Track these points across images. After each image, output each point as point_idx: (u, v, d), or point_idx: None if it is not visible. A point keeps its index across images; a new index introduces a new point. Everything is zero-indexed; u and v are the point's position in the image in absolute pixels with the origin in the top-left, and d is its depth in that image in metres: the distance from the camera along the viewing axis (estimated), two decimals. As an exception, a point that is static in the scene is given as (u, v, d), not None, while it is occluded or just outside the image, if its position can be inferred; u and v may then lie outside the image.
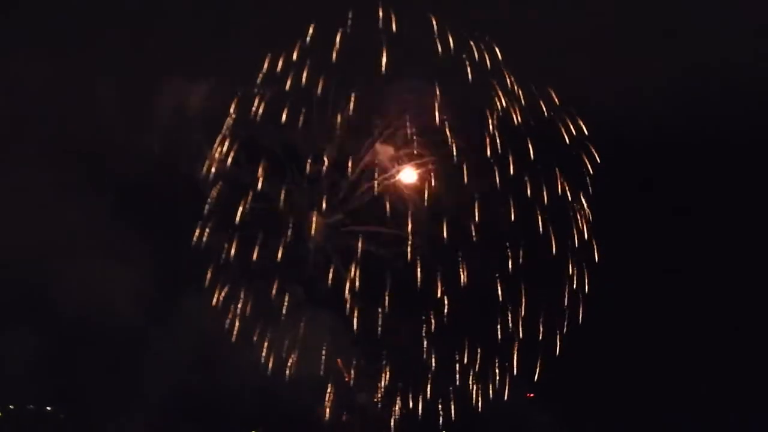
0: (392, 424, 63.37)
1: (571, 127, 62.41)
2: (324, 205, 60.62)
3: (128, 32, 62.31)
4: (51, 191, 61.18)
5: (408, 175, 60.38)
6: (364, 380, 62.65)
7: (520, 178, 61.12)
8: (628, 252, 69.04)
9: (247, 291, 60.47)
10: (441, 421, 63.44)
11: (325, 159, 59.83)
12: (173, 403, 64.21)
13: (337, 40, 57.96)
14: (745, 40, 68.72)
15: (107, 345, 64.13)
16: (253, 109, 58.88)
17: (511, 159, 60.82)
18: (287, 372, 61.02)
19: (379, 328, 60.54)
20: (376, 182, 59.93)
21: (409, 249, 60.02)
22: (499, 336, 62.12)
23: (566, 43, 66.20)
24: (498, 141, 60.73)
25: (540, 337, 62.29)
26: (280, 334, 60.83)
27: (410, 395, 62.77)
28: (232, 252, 59.68)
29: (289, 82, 58.17)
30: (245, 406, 65.38)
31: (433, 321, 61.21)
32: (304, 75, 57.96)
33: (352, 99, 58.37)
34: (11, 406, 67.32)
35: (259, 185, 59.57)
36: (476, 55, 60.22)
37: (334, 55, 58.01)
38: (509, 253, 61.37)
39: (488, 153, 60.51)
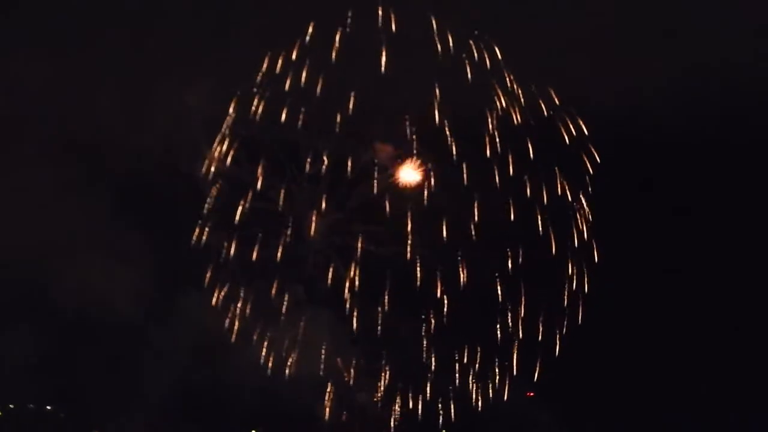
0: (392, 423, 63.38)
1: (571, 127, 62.40)
2: (324, 205, 60.67)
3: (128, 32, 62.28)
4: (51, 191, 61.24)
5: (409, 175, 60.34)
6: (363, 380, 62.64)
7: (519, 178, 61.06)
8: (628, 252, 69.04)
9: (246, 290, 60.57)
10: (441, 421, 63.47)
11: (325, 158, 59.82)
12: (173, 402, 64.32)
13: (337, 39, 58.02)
14: (745, 40, 68.65)
15: (107, 344, 64.33)
16: (253, 108, 58.98)
17: (510, 159, 60.74)
18: (287, 371, 61.08)
19: (379, 328, 60.55)
20: (375, 181, 59.93)
21: (408, 248, 60.00)
22: (499, 336, 62.13)
23: (566, 43, 66.06)
24: (498, 141, 60.66)
25: (540, 338, 62.31)
26: (280, 333, 60.88)
27: (410, 395, 62.80)
28: (232, 251, 59.73)
29: (288, 82, 58.24)
30: (245, 406, 65.46)
31: (432, 321, 61.23)
32: (304, 74, 58.03)
33: (352, 98, 58.40)
34: (11, 406, 67.40)
35: (259, 184, 59.62)
36: (476, 55, 60.24)
37: (334, 54, 58.08)
38: (509, 253, 61.32)
39: (488, 153, 60.47)
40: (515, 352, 62.66)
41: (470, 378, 62.74)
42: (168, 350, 63.08)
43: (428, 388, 62.60)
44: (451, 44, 59.26)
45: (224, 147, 59.55)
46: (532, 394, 67.14)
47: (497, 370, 62.92)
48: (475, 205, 60.05)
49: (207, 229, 59.56)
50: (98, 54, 61.20)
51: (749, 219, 72.66)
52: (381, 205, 60.05)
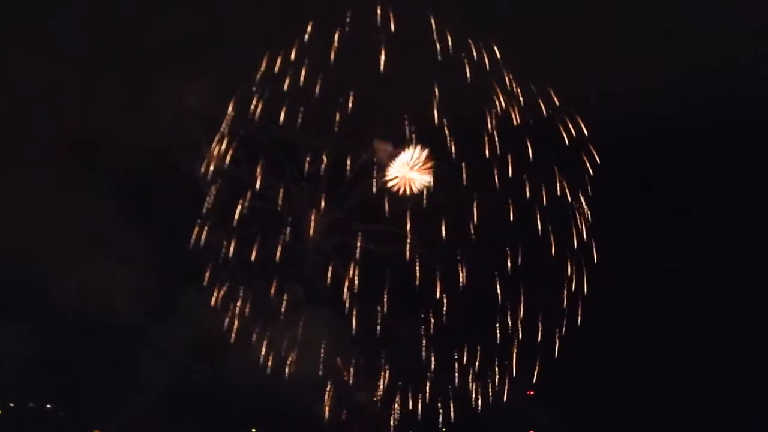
0: (392, 423, 63.40)
1: (571, 127, 62.31)
2: (323, 204, 60.71)
3: (128, 32, 62.40)
4: (51, 191, 61.37)
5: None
6: (363, 379, 62.66)
7: (519, 178, 61.01)
8: (627, 252, 69.02)
9: (246, 290, 60.60)
10: (440, 421, 63.48)
11: (324, 158, 59.87)
12: (173, 401, 64.40)
13: (336, 39, 58.07)
14: (745, 40, 68.74)
15: (107, 344, 64.41)
16: (252, 108, 59.05)
17: (510, 159, 60.71)
18: (286, 371, 61.10)
19: (378, 328, 60.59)
20: (374, 181, 60.04)
21: (408, 248, 60.02)
22: (498, 336, 62.11)
23: (566, 43, 66.16)
24: (497, 141, 60.64)
25: (539, 338, 62.27)
26: (279, 333, 60.91)
27: (409, 394, 62.82)
28: (231, 251, 59.77)
29: (287, 81, 58.29)
30: (245, 405, 65.51)
31: (432, 320, 61.23)
32: (303, 74, 58.08)
33: (351, 98, 58.45)
34: (11, 404, 67.51)
35: (258, 184, 59.69)
36: (475, 55, 60.18)
37: (333, 54, 58.11)
38: (508, 254, 61.31)
39: (487, 153, 60.47)
40: (514, 352, 62.62)
41: (470, 378, 62.74)
42: (168, 350, 63.17)
43: (428, 388, 62.60)
44: (450, 44, 59.30)
45: (223, 146, 59.67)
46: (532, 392, 67.06)
47: (497, 370, 62.90)
48: (475, 205, 60.01)
49: (206, 228, 59.62)
50: (98, 54, 61.39)
51: (749, 219, 72.67)
52: (380, 204, 60.16)
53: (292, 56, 58.29)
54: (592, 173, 62.74)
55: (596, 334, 65.66)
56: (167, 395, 63.91)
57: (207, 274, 60.11)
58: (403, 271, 60.37)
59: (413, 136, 59.76)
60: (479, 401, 63.41)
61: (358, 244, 60.30)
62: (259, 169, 59.55)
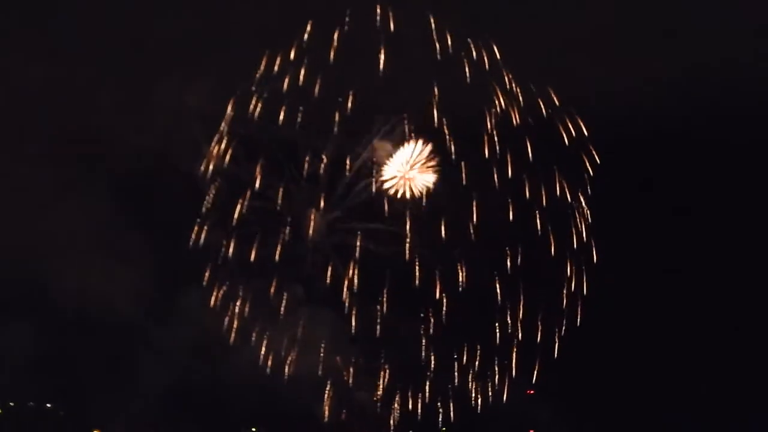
0: (391, 422, 63.41)
1: (571, 127, 62.30)
2: (322, 203, 60.74)
3: (128, 32, 62.48)
4: (51, 191, 61.42)
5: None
6: (363, 378, 62.66)
7: (518, 178, 61.02)
8: (627, 252, 68.99)
9: (245, 289, 60.60)
10: (440, 420, 63.50)
11: (323, 157, 59.92)
12: (172, 401, 64.43)
13: (335, 39, 58.09)
14: (745, 40, 68.82)
15: (107, 344, 64.46)
16: (251, 107, 59.09)
17: (509, 159, 60.72)
18: (286, 370, 61.12)
19: (378, 327, 60.61)
20: (373, 181, 60.08)
21: (407, 247, 60.04)
22: (498, 336, 62.11)
23: (566, 43, 66.22)
24: (497, 141, 60.64)
25: (538, 338, 62.26)
26: (279, 332, 60.91)
27: (409, 394, 62.83)
28: (231, 250, 59.79)
29: (286, 81, 58.33)
30: (244, 405, 65.53)
31: (432, 320, 61.25)
32: (302, 74, 58.12)
33: (350, 97, 58.48)
34: (11, 404, 67.56)
35: (257, 184, 59.71)
36: (475, 55, 60.18)
37: (332, 54, 58.14)
38: (508, 254, 61.31)
39: (487, 153, 60.48)
40: (514, 352, 62.61)
41: (469, 378, 62.74)
42: (168, 350, 63.19)
43: (427, 388, 62.60)
44: (449, 43, 59.31)
45: (223, 146, 59.70)
46: (532, 391, 67.03)
47: (496, 370, 62.89)
48: (474, 205, 60.02)
49: (206, 228, 59.63)
50: (98, 54, 61.47)
51: (749, 219, 72.62)
52: (380, 203, 60.22)
53: (292, 56, 58.39)
54: (591, 173, 62.79)
55: (596, 334, 65.68)
56: (167, 395, 63.91)
57: (207, 274, 60.24)
58: (403, 270, 60.42)
59: (413, 135, 59.91)
60: (479, 401, 63.43)
61: (358, 243, 60.38)
62: (258, 169, 59.57)
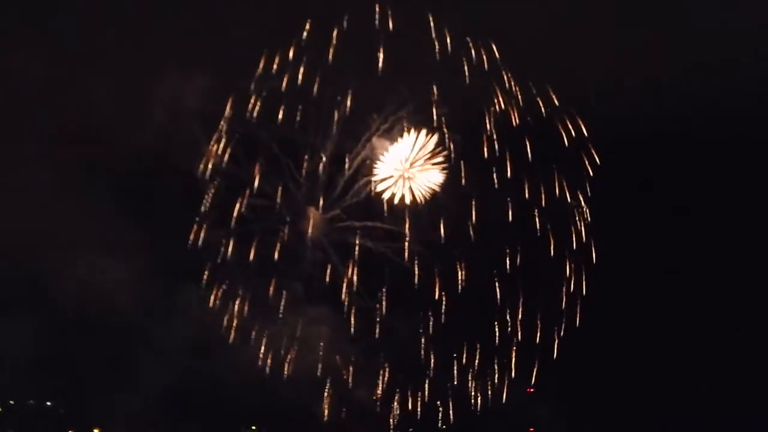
0: (391, 421, 63.41)
1: (571, 127, 62.32)
2: (321, 202, 60.80)
3: (127, 31, 62.60)
4: (51, 190, 61.50)
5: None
6: (362, 378, 62.67)
7: (518, 178, 61.03)
8: (627, 252, 68.94)
9: (245, 289, 60.66)
10: (440, 420, 63.49)
11: (322, 155, 59.99)
12: (172, 400, 64.47)
13: (334, 38, 58.17)
14: (745, 40, 68.74)
15: (107, 343, 64.51)
16: (250, 106, 59.14)
17: (509, 159, 60.74)
18: (286, 370, 61.17)
19: (377, 327, 60.64)
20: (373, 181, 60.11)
21: (406, 247, 60.07)
22: (497, 336, 62.11)
23: (566, 43, 66.19)
24: (496, 141, 60.65)
25: (538, 338, 62.26)
26: (278, 331, 60.94)
27: (409, 393, 62.84)
28: (230, 250, 59.85)
29: (285, 80, 58.43)
30: (244, 404, 65.54)
31: (431, 320, 61.26)
32: (301, 73, 58.18)
33: (349, 96, 58.52)
34: (11, 402, 67.65)
35: (257, 183, 59.76)
36: (474, 54, 60.24)
37: (331, 53, 58.22)
38: (507, 254, 61.33)
39: (486, 153, 60.49)
40: (513, 352, 62.61)
41: (469, 377, 62.75)
42: (167, 349, 63.21)
43: (427, 387, 62.61)
44: (448, 43, 59.36)
45: (222, 145, 59.79)
46: (532, 390, 66.97)
47: (496, 370, 62.88)
48: (473, 205, 60.06)
49: (205, 227, 59.69)
50: (98, 53, 61.53)
51: (749, 219, 72.51)
52: (379, 202, 60.28)
53: (291, 55, 58.53)
54: (591, 173, 62.80)
55: (595, 335, 65.65)
56: (167, 394, 63.93)
57: (206, 274, 60.32)
58: (402, 270, 60.50)
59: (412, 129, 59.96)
60: (478, 401, 63.43)
61: (357, 242, 60.40)
62: (257, 168, 59.69)
